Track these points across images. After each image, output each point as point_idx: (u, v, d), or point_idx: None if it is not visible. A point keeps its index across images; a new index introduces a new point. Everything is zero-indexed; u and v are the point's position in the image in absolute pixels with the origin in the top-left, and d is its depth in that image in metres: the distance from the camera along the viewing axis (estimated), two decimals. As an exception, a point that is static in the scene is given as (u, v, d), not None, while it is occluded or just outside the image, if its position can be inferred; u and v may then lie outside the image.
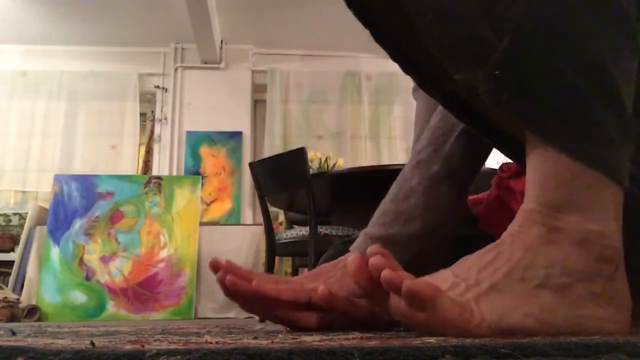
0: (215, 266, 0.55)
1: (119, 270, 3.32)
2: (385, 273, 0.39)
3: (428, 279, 0.45)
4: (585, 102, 0.42)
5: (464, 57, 0.43)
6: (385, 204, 0.66)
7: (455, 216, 0.68)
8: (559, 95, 0.43)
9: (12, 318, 2.66)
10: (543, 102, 0.43)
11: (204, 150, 3.90)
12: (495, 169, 0.78)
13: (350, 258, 0.43)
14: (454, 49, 0.44)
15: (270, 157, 2.41)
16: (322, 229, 2.15)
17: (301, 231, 2.22)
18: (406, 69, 0.57)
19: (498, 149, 0.58)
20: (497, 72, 0.42)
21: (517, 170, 0.74)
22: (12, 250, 3.45)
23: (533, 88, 0.43)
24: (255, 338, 0.40)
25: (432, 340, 0.34)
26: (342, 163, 3.30)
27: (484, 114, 0.54)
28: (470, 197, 0.82)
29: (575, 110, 0.43)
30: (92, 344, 0.31)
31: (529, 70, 0.43)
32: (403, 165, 0.76)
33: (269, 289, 0.53)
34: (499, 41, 0.42)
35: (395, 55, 0.57)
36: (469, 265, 0.44)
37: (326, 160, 3.11)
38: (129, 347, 0.29)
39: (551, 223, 0.43)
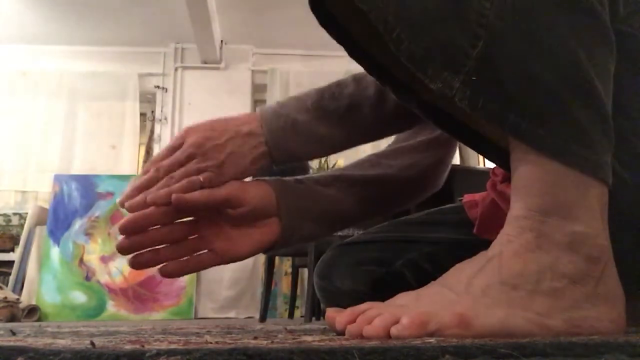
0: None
1: (119, 270, 3.31)
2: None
3: (417, 293, 0.45)
4: (563, 102, 0.43)
5: (438, 66, 0.43)
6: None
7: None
8: (535, 97, 0.43)
9: (12, 318, 2.66)
10: (520, 105, 0.43)
11: (204, 150, 3.90)
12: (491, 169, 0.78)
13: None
14: (427, 60, 0.43)
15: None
16: (322, 229, 2.14)
17: (301, 231, 2.21)
18: (383, 82, 0.57)
19: (484, 156, 0.58)
20: (473, 78, 0.42)
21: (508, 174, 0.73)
22: (12, 250, 3.44)
23: (509, 92, 0.43)
24: (255, 338, 0.40)
25: (432, 340, 0.34)
26: (342, 163, 3.29)
27: (465, 122, 0.54)
28: (465, 199, 0.82)
29: (553, 111, 0.43)
30: (92, 344, 0.31)
31: (504, 75, 0.43)
32: None
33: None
34: (473, 48, 0.42)
35: (371, 68, 0.57)
36: (458, 274, 0.45)
37: (326, 160, 3.10)
38: (129, 347, 0.29)
39: (538, 228, 0.43)
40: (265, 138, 0.61)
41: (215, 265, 0.60)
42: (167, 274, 0.58)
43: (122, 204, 0.58)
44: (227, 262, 0.61)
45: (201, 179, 0.57)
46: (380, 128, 0.68)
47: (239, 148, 0.60)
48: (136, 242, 0.57)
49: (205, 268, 0.60)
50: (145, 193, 0.57)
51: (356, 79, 0.66)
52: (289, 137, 0.61)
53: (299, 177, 0.68)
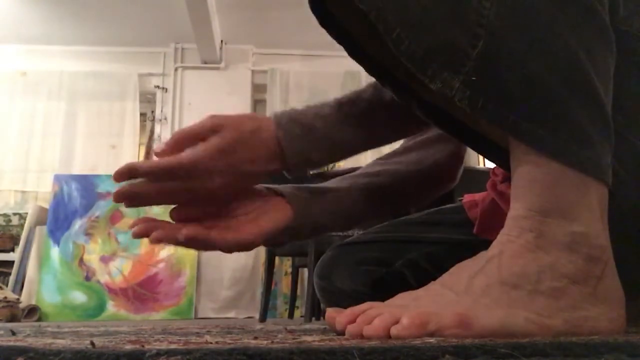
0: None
1: (119, 270, 3.32)
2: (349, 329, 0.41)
3: (417, 293, 0.45)
4: (563, 102, 0.43)
5: (438, 67, 0.43)
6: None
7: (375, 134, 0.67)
8: (535, 97, 0.43)
9: (12, 318, 2.66)
10: (520, 105, 0.43)
11: (204, 150, 3.90)
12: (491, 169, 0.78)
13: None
14: (427, 60, 0.43)
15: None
16: (322, 229, 2.14)
17: (301, 231, 2.22)
18: (383, 82, 0.57)
19: (484, 156, 0.58)
20: (473, 78, 0.42)
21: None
22: (12, 250, 3.44)
23: (509, 92, 0.43)
24: (255, 338, 0.40)
25: (432, 340, 0.34)
26: (343, 163, 3.29)
27: (465, 122, 0.54)
28: (465, 199, 0.82)
29: (553, 112, 0.43)
30: (92, 344, 0.31)
31: (504, 75, 0.43)
32: None
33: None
34: (473, 48, 0.42)
35: (371, 69, 0.57)
36: (458, 274, 0.45)
37: (327, 161, 3.10)
38: (129, 347, 0.29)
39: (538, 228, 0.43)
40: (281, 145, 0.60)
41: (237, 248, 0.58)
42: (190, 237, 0.55)
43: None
44: (251, 242, 0.59)
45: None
46: (396, 130, 0.68)
47: (251, 181, 0.61)
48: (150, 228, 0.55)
49: (229, 246, 0.58)
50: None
51: (374, 84, 0.66)
52: (305, 143, 0.61)
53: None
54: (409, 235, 0.82)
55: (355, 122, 0.63)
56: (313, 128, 0.62)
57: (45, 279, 3.23)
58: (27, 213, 3.49)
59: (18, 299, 2.84)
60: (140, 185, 0.55)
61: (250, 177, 0.60)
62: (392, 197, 0.75)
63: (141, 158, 3.98)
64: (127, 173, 0.54)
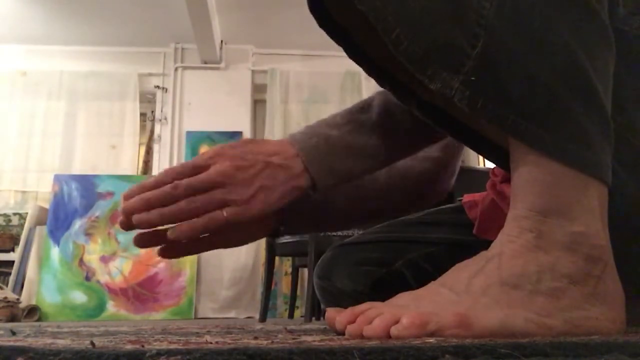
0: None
1: (119, 270, 3.32)
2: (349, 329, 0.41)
3: (417, 293, 0.45)
4: (562, 102, 0.43)
5: (438, 67, 0.43)
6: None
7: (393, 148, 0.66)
8: (535, 97, 0.43)
9: (12, 318, 2.66)
10: (520, 105, 0.43)
11: (204, 150, 3.89)
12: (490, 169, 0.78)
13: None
14: (426, 60, 0.43)
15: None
16: (322, 229, 2.14)
17: (301, 231, 2.22)
18: (382, 83, 0.57)
19: (484, 157, 0.58)
20: (472, 79, 0.42)
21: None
22: (12, 250, 3.44)
23: (509, 92, 0.43)
24: (255, 338, 0.40)
25: (432, 340, 0.34)
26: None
27: (464, 122, 0.54)
28: (465, 200, 0.82)
29: (553, 112, 0.43)
30: (92, 344, 0.31)
31: (503, 75, 0.43)
32: None
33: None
34: (472, 48, 0.42)
35: (371, 69, 0.57)
36: (458, 274, 0.45)
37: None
38: (129, 347, 0.29)
39: (538, 228, 0.43)
40: (303, 162, 0.58)
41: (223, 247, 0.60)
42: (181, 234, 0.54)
43: (125, 212, 0.54)
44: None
45: (225, 215, 0.53)
46: (416, 133, 0.66)
47: (268, 181, 0.56)
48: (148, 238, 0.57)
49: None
50: (159, 210, 0.53)
51: (382, 91, 0.65)
52: (324, 153, 0.59)
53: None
54: (409, 235, 0.82)
55: (369, 126, 0.63)
56: (329, 137, 0.60)
57: (45, 279, 3.23)
58: (27, 213, 3.48)
59: (18, 299, 2.84)
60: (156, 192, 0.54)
61: (281, 189, 0.57)
62: (374, 206, 0.75)
63: (141, 158, 3.98)
64: (137, 191, 0.55)
